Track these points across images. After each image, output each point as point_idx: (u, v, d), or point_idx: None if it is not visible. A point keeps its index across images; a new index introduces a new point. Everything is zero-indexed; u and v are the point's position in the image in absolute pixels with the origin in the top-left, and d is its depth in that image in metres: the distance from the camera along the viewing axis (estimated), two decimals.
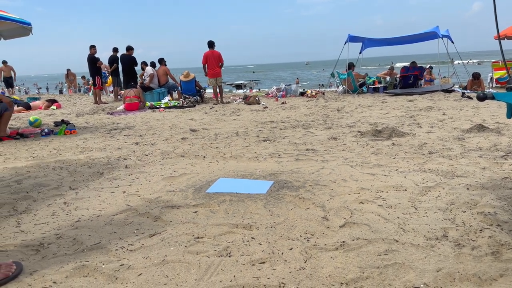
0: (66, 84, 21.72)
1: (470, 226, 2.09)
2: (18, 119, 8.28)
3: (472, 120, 5.79)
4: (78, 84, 20.85)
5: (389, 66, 15.19)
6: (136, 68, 12.28)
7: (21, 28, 7.16)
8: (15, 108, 8.85)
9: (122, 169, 3.69)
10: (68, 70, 20.45)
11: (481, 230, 2.03)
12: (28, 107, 10.51)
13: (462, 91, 10.16)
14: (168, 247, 1.95)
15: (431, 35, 12.08)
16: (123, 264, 1.79)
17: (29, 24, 7.11)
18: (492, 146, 3.96)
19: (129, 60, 12.05)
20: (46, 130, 6.16)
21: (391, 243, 1.91)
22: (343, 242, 1.95)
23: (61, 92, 20.86)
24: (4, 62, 17.02)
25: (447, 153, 3.80)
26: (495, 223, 2.10)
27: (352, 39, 13.30)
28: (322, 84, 17.50)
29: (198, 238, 2.06)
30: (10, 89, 17.19)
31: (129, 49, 12.22)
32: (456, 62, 13.93)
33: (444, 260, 1.73)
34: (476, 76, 12.05)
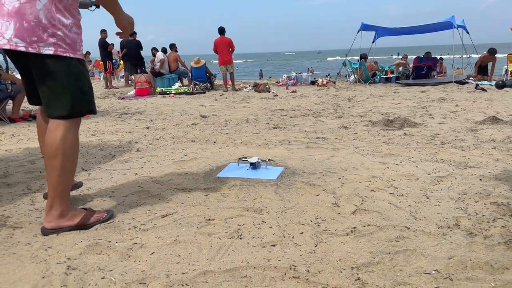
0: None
1: (483, 215, 2.08)
2: None
3: (485, 112, 5.72)
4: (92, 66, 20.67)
5: (401, 56, 15.00)
6: (141, 52, 12.23)
7: None
8: None
9: (133, 152, 3.72)
10: (88, 52, 19.02)
11: (493, 220, 2.02)
12: None
13: (476, 82, 10.01)
14: (180, 228, 1.97)
15: (446, 25, 11.90)
16: (136, 243, 1.81)
17: None
18: (506, 138, 3.91)
19: (135, 45, 12.02)
20: None
21: (402, 230, 1.91)
22: (354, 228, 1.95)
23: None
24: None
25: (460, 144, 3.76)
26: (508, 213, 2.08)
27: (365, 27, 13.17)
28: (328, 74, 17.37)
29: (209, 220, 2.07)
30: None
31: (133, 33, 12.19)
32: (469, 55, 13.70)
33: (456, 248, 1.73)
34: (492, 52, 11.83)
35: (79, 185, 2.60)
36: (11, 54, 1.89)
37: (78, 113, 1.94)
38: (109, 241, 1.84)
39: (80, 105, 1.93)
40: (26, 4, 1.75)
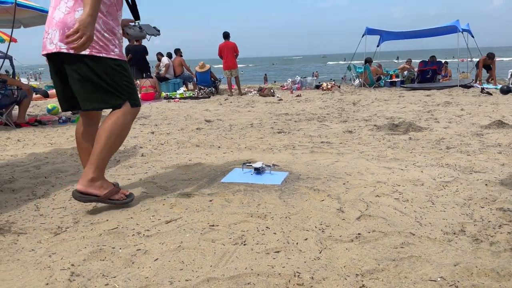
0: None
1: (489, 221, 2.06)
2: (36, 107, 8.42)
3: (491, 116, 5.68)
4: None
5: (401, 60, 14.99)
6: (147, 57, 12.26)
7: (42, 16, 7.25)
8: (34, 95, 8.99)
9: (138, 157, 3.72)
10: None
11: (499, 226, 2.00)
12: (46, 95, 10.67)
13: (481, 86, 9.96)
14: (184, 234, 1.97)
15: (450, 29, 11.86)
16: (139, 249, 1.81)
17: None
18: None
19: (140, 50, 12.06)
20: (63, 118, 6.26)
21: (407, 237, 1.90)
22: (359, 234, 1.94)
23: None
24: None
25: (465, 148, 3.74)
26: None
27: (369, 31, 13.15)
28: (331, 79, 17.37)
29: (213, 226, 2.07)
30: None
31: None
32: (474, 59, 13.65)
33: (462, 255, 1.71)
34: (491, 57, 11.88)
35: (115, 185, 2.59)
36: (57, 59, 2.18)
37: (118, 105, 2.22)
38: (113, 247, 1.84)
39: (116, 98, 2.21)
40: (67, 14, 2.10)
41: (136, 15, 2.50)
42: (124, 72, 2.23)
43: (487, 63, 12.13)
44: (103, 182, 2.27)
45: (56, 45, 2.11)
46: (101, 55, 2.12)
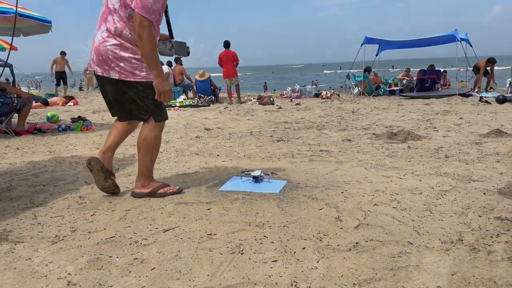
0: (85, 80, 21.32)
1: (486, 230, 2.06)
2: (36, 115, 8.43)
3: (489, 125, 5.70)
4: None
5: (397, 69, 15.06)
6: None
7: (41, 26, 7.30)
8: (33, 103, 9.01)
9: (137, 166, 3.72)
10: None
11: (497, 235, 1.99)
12: (46, 103, 10.69)
13: (480, 95, 9.99)
14: (181, 243, 1.97)
15: (449, 38, 11.94)
16: (136, 258, 1.81)
17: (49, 22, 7.23)
18: (510, 151, 3.89)
19: None
20: (63, 126, 6.26)
21: (405, 246, 1.89)
22: (357, 243, 1.94)
23: (81, 89, 20.65)
24: (62, 53, 14.56)
25: (464, 157, 3.74)
26: None
27: (368, 41, 13.24)
28: (330, 87, 17.44)
29: (210, 234, 2.07)
30: (65, 86, 14.95)
31: None
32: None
33: (459, 264, 1.71)
34: (493, 61, 11.84)
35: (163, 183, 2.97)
36: (98, 78, 2.59)
37: (143, 119, 2.60)
38: (110, 256, 1.83)
39: (141, 114, 2.59)
40: (101, 44, 2.46)
41: (170, 35, 2.82)
42: (149, 91, 2.50)
43: (488, 66, 12.05)
44: (150, 182, 2.72)
45: (95, 68, 2.54)
46: (128, 79, 2.48)
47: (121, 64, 2.45)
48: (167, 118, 2.69)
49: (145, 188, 2.70)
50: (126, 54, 2.44)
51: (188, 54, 2.89)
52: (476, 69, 12.41)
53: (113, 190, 2.74)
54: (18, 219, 2.36)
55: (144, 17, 2.29)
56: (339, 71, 60.05)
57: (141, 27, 2.29)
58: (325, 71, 65.11)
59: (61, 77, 14.78)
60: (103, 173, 2.65)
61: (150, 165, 2.72)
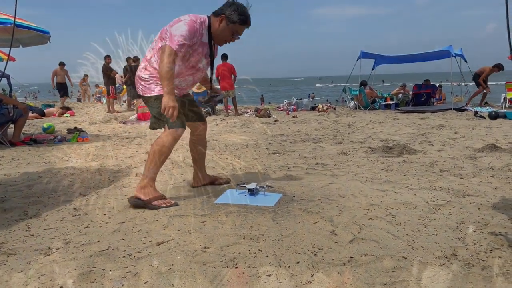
0: (80, 91, 21.27)
1: (481, 245, 2.06)
2: (32, 125, 8.42)
3: (484, 140, 5.73)
4: (96, 92, 20.49)
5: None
6: None
7: (40, 37, 7.33)
8: (30, 114, 8.99)
9: (132, 178, 3.72)
10: (86, 76, 18.80)
11: (491, 250, 2.00)
12: (42, 114, 10.68)
13: (475, 110, 10.07)
14: (175, 256, 1.95)
15: (444, 54, 12.06)
16: (130, 271, 1.80)
17: (47, 32, 7.27)
18: (505, 166, 3.91)
19: (133, 72, 12.17)
20: (59, 137, 6.25)
21: (399, 260, 1.89)
22: (351, 257, 1.93)
23: (79, 100, 20.59)
24: (61, 64, 14.39)
25: (459, 171, 3.76)
26: (506, 243, 2.07)
27: (364, 55, 13.35)
28: (327, 100, 17.52)
29: (205, 248, 2.06)
30: (64, 97, 14.66)
31: (137, 59, 12.31)
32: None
33: (453, 279, 1.70)
34: (500, 67, 11.42)
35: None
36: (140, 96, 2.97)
37: (162, 127, 2.84)
38: (103, 269, 1.82)
39: (159, 122, 2.84)
40: (139, 72, 2.88)
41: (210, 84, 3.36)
42: (158, 103, 2.75)
43: (493, 71, 11.58)
44: (150, 190, 2.77)
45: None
46: (146, 95, 2.85)
47: (142, 83, 2.86)
48: (181, 127, 2.81)
49: (143, 195, 2.75)
50: (146, 75, 2.83)
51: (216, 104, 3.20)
52: (476, 77, 11.97)
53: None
54: (11, 230, 2.34)
55: (170, 46, 2.62)
56: (330, 85, 60.59)
57: (163, 51, 2.64)
58: (317, 85, 65.42)
59: (62, 87, 14.71)
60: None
61: (153, 169, 2.80)
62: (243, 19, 2.78)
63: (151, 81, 2.82)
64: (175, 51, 2.63)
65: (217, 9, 2.81)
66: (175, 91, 2.77)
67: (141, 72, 2.87)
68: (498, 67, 11.50)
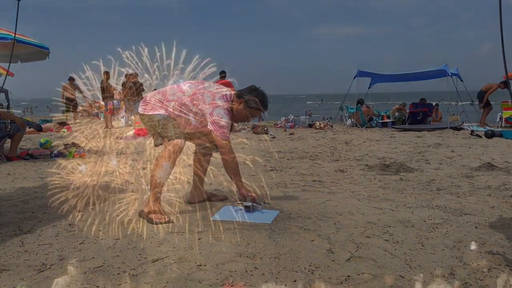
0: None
1: (478, 265, 2.05)
2: (29, 140, 8.40)
3: (481, 159, 5.75)
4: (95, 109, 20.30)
5: (400, 103, 15.20)
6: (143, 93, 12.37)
7: (39, 52, 7.38)
8: (27, 129, 8.98)
9: (128, 194, 3.69)
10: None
11: (489, 269, 1.99)
12: (39, 129, 10.67)
13: (471, 129, 10.12)
14: (171, 274, 1.93)
15: (440, 73, 12.19)
16: None
17: (47, 48, 7.32)
18: (501, 185, 3.92)
19: (137, 87, 12.19)
20: (55, 152, 6.24)
21: (397, 279, 1.88)
22: (348, 276, 1.92)
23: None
24: (71, 79, 13.26)
25: (455, 190, 3.76)
26: (504, 263, 2.06)
27: (361, 74, 13.49)
28: (324, 118, 17.58)
29: (200, 265, 2.04)
30: (75, 113, 13.89)
31: (136, 75, 12.32)
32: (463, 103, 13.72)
33: None
34: (506, 83, 11.20)
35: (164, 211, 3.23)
36: None
37: (159, 143, 2.98)
38: (97, 286, 1.80)
39: (160, 138, 2.97)
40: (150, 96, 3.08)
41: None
42: (166, 120, 2.92)
43: (502, 88, 11.33)
44: (155, 204, 2.83)
45: None
46: (148, 113, 2.99)
47: (148, 107, 3.03)
48: (177, 138, 2.90)
49: (146, 207, 2.84)
50: (154, 102, 3.06)
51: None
52: (482, 93, 11.71)
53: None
54: (5, 246, 2.31)
55: (226, 141, 2.96)
56: (320, 102, 61.28)
57: (223, 148, 3.02)
58: (307, 102, 65.77)
59: (71, 103, 14.47)
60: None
61: (156, 179, 2.85)
62: (260, 107, 3.08)
63: (156, 106, 2.97)
64: (228, 139, 2.98)
65: (241, 90, 3.10)
66: (201, 129, 3.11)
67: (151, 99, 3.01)
68: (505, 83, 11.11)
